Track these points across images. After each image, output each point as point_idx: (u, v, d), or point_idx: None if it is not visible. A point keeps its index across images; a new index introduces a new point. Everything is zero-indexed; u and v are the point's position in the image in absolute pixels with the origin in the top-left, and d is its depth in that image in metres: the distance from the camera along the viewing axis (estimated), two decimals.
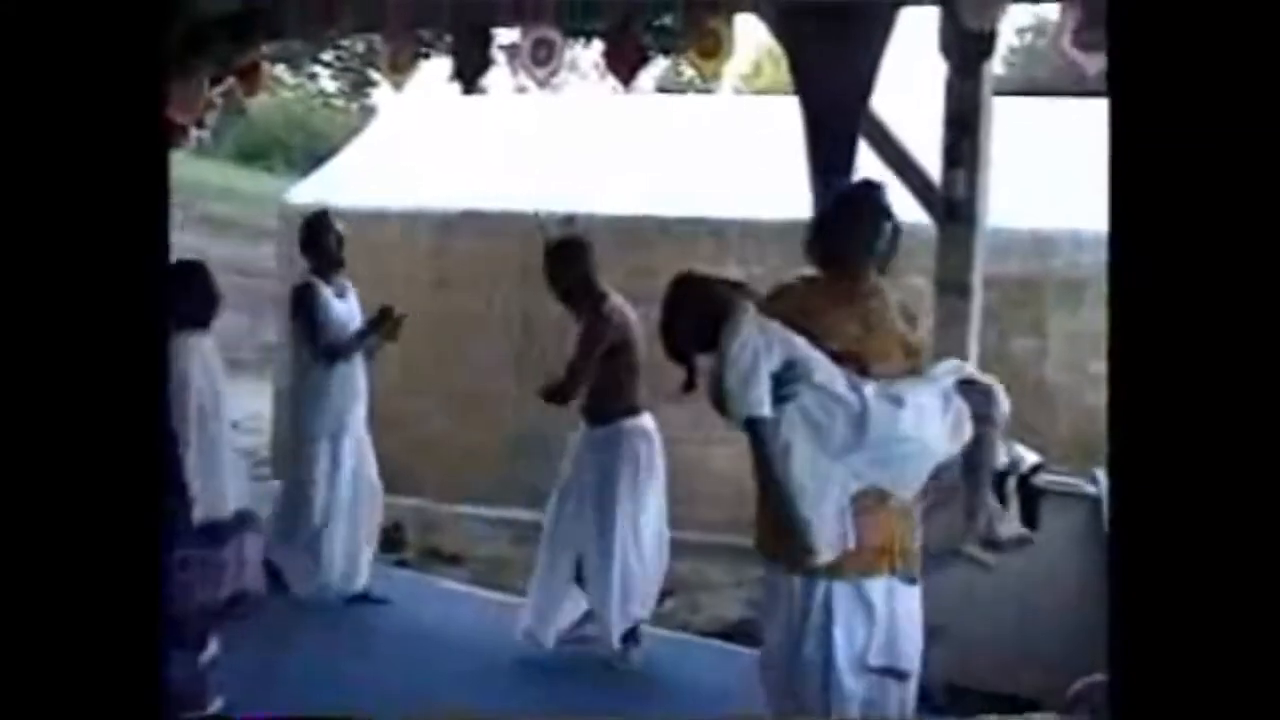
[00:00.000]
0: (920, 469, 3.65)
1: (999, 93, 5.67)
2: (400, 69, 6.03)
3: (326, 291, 6.46)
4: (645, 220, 8.86)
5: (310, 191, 10.35)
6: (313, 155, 15.43)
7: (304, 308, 6.43)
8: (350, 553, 6.52)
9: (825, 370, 3.54)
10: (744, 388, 3.54)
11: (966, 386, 3.70)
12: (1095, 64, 4.54)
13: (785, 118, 5.52)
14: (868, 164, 5.30)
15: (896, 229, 3.79)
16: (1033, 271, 8.07)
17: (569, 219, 9.04)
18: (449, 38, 6.14)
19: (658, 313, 3.89)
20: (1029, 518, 5.13)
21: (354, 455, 6.52)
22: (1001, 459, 3.96)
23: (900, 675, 3.68)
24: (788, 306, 3.71)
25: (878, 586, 3.63)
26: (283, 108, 25.02)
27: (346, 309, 6.52)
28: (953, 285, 5.45)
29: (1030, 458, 5.24)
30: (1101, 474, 5.12)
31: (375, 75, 17.68)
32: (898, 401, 3.56)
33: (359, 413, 6.56)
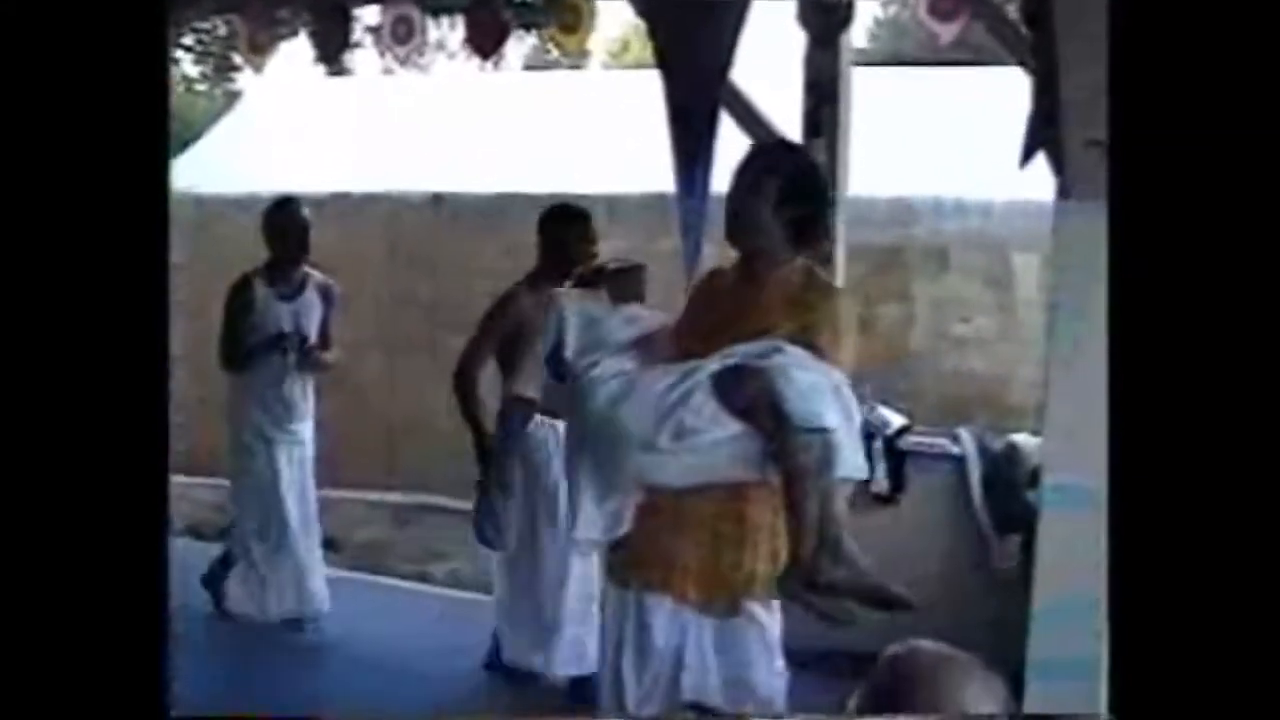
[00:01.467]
0: (625, 459, 3.28)
1: (864, 64, 5.76)
2: (260, 50, 5.95)
3: (263, 292, 5.94)
4: (513, 198, 8.85)
5: (174, 177, 10.19)
6: (177, 141, 15.15)
7: (226, 306, 5.98)
8: (298, 576, 6.03)
9: (577, 350, 3.39)
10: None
11: (732, 374, 3.13)
12: (950, 32, 4.64)
13: (652, 92, 5.55)
14: (730, 136, 5.36)
15: (792, 194, 3.33)
16: (897, 239, 8.19)
17: (437, 197, 9.02)
18: (308, 17, 6.07)
19: None
20: (896, 479, 5.25)
21: (299, 471, 6.07)
22: (844, 472, 3.12)
23: (708, 711, 3.38)
24: (696, 288, 3.62)
25: (659, 611, 3.37)
26: None
27: (284, 310, 5.96)
28: None
29: (896, 420, 5.36)
30: (965, 433, 5.25)
31: (238, 59, 17.40)
32: (607, 380, 3.29)
33: (302, 428, 6.09)
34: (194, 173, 9.96)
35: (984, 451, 5.18)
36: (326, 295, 6.08)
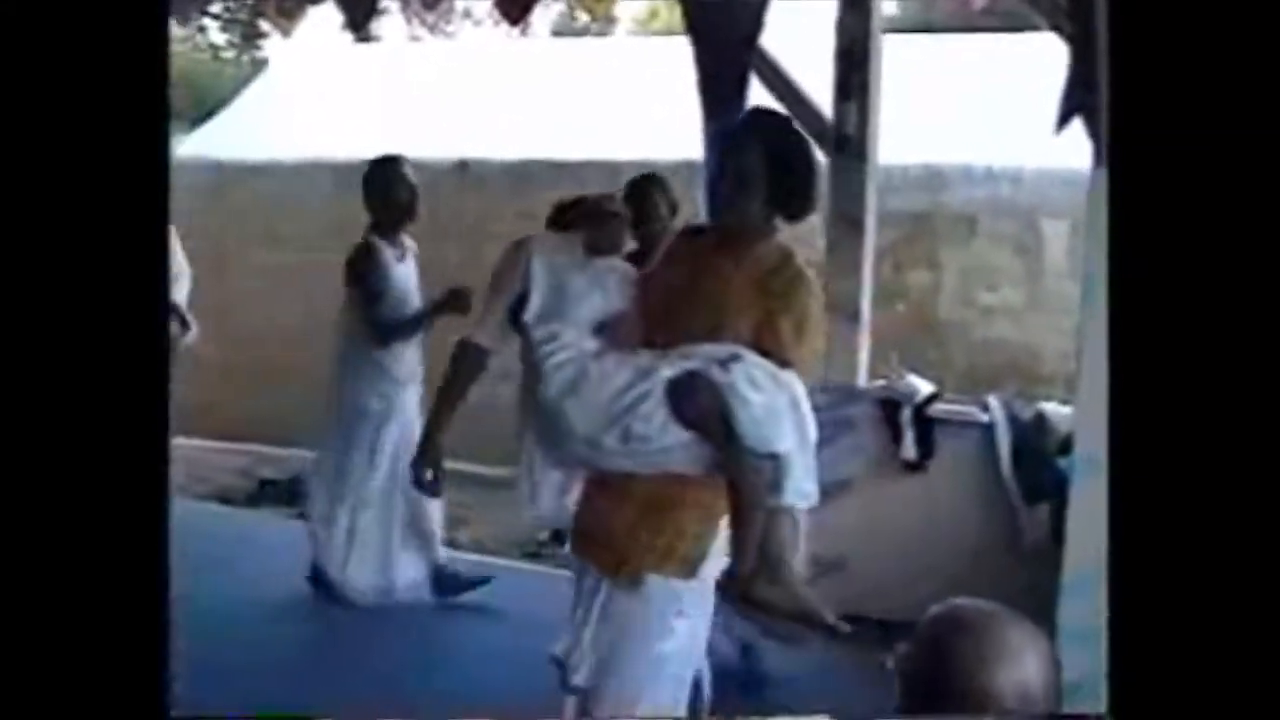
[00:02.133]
0: (571, 450, 3.21)
1: (895, 30, 5.71)
2: (288, 14, 5.95)
3: (388, 255, 5.60)
4: (540, 163, 8.82)
5: (199, 145, 10.20)
6: (203, 109, 15.17)
7: (359, 274, 5.55)
8: (382, 551, 5.68)
9: (538, 314, 3.27)
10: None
11: (687, 384, 3.02)
12: None
13: (681, 59, 5.53)
14: (759, 100, 5.33)
15: (778, 163, 3.18)
16: (926, 206, 8.14)
17: (462, 164, 9.01)
18: None
19: None
20: (924, 447, 5.23)
21: (396, 441, 5.61)
22: (790, 500, 3.05)
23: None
24: (670, 246, 3.45)
25: (586, 580, 3.28)
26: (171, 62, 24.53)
27: (405, 273, 5.66)
28: (845, 219, 5.50)
29: (924, 388, 5.34)
30: (994, 401, 5.22)
31: (265, 26, 17.41)
32: (562, 366, 3.17)
33: (411, 395, 5.70)
34: (218, 140, 9.99)
35: (1013, 420, 5.15)
36: (416, 259, 5.79)
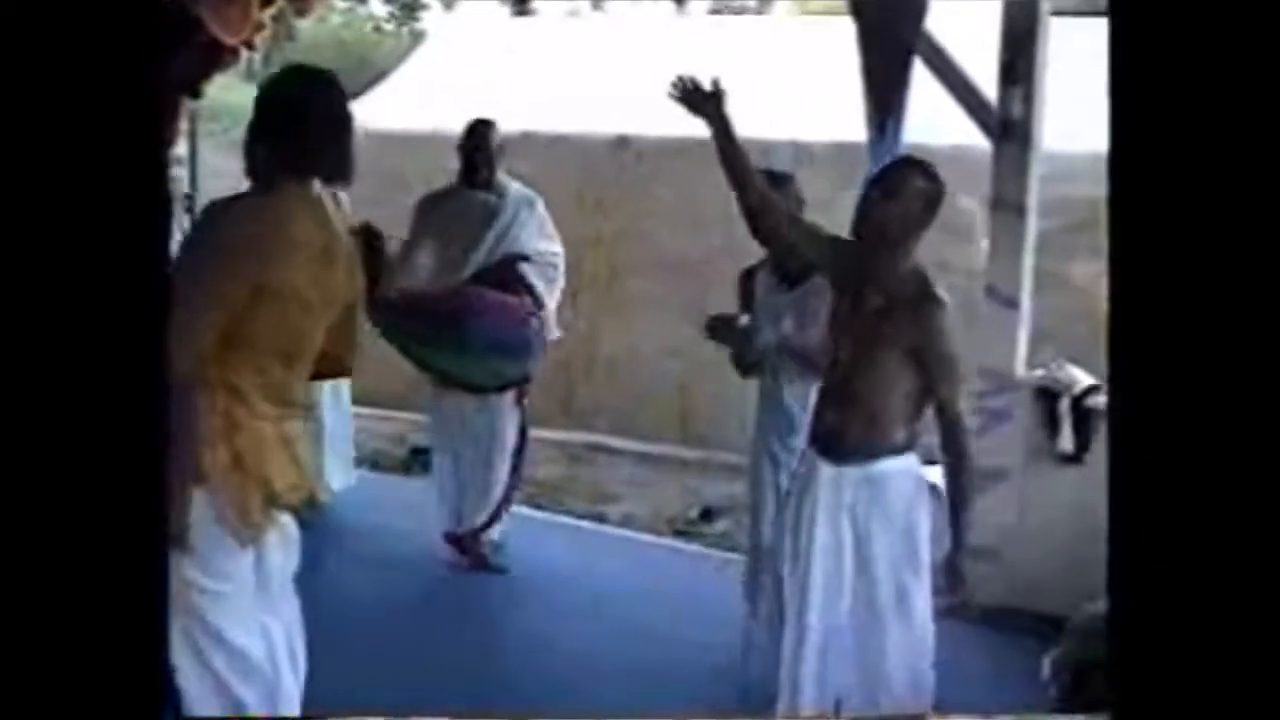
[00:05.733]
0: None
1: (1063, 14, 5.60)
2: None
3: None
4: (697, 141, 8.79)
5: (360, 114, 10.35)
6: (362, 80, 15.42)
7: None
8: None
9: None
10: None
11: None
12: None
13: (840, 38, 5.48)
14: (923, 83, 5.27)
15: (259, 126, 3.16)
16: (1092, 194, 7.96)
17: (622, 140, 9.04)
18: None
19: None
20: (1082, 438, 5.14)
21: None
22: None
23: None
24: None
25: None
26: (332, 33, 24.94)
27: None
28: (1008, 205, 5.42)
29: (1084, 379, 5.25)
30: None
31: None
32: None
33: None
34: (378, 110, 10.14)
35: None
36: None
